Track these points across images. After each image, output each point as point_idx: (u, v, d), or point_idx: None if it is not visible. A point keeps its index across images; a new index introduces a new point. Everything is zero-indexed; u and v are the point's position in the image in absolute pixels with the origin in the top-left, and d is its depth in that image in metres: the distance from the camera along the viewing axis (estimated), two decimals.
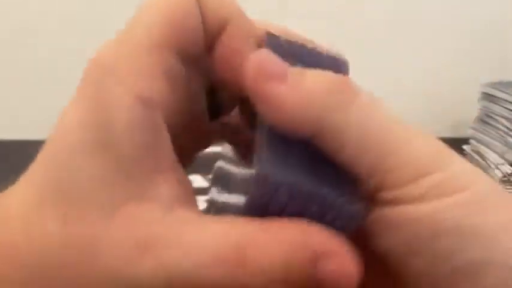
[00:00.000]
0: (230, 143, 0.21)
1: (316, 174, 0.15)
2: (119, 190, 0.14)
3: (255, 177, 0.14)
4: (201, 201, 0.41)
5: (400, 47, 0.55)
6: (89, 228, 0.14)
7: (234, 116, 0.19)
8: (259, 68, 0.14)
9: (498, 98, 0.49)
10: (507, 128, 0.47)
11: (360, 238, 0.16)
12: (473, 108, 0.52)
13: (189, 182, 0.17)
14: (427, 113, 0.56)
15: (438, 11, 0.54)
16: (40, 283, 0.15)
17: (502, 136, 0.48)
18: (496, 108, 0.49)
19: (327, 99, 0.15)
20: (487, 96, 0.50)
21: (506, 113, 0.48)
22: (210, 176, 0.44)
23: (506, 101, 0.48)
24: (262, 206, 0.15)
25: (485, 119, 0.51)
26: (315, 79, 0.15)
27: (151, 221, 0.14)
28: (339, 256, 0.14)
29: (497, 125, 0.49)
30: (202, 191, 0.42)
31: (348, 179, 0.16)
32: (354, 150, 0.15)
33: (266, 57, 0.15)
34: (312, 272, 0.14)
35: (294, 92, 0.15)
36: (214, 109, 0.19)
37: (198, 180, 0.45)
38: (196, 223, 0.15)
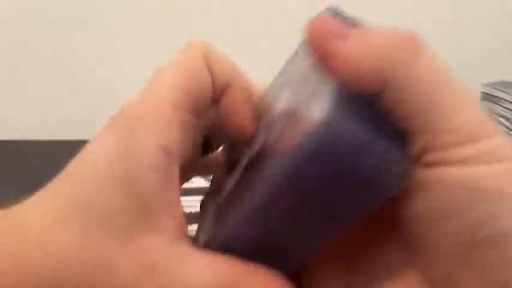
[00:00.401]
0: (212, 172, 0.27)
1: (376, 128, 0.15)
2: (135, 221, 0.17)
3: (317, 125, 0.15)
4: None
5: None
6: (105, 250, 0.17)
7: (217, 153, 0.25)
8: (321, 28, 0.15)
9: (498, 98, 0.49)
10: (507, 127, 0.47)
11: (388, 204, 0.16)
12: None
13: (184, 216, 0.21)
14: None
15: (438, 11, 0.54)
16: None
17: None
18: (496, 108, 0.49)
19: (392, 54, 0.15)
20: (487, 96, 0.50)
21: (506, 113, 0.48)
22: (211, 177, 0.44)
23: (506, 100, 0.48)
24: (317, 159, 0.15)
25: None
26: (379, 36, 0.16)
27: (159, 251, 0.17)
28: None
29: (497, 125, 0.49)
30: (203, 191, 0.42)
31: (402, 140, 0.16)
32: (414, 107, 0.16)
33: (326, 19, 0.16)
34: None
35: (358, 48, 0.15)
36: (205, 147, 0.24)
37: (198, 180, 0.45)
38: (194, 257, 0.18)
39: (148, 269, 0.17)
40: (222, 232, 0.19)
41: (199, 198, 0.42)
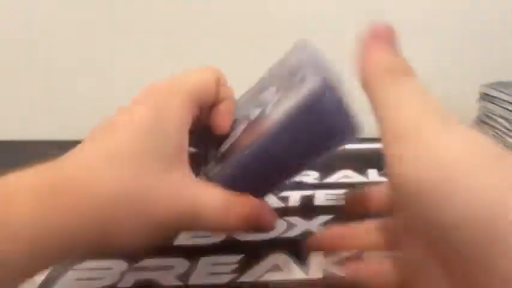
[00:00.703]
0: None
1: (343, 98, 0.25)
2: (165, 161, 0.24)
3: (312, 83, 0.24)
4: None
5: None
6: (149, 181, 0.23)
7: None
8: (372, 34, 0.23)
9: (497, 98, 0.49)
10: (506, 128, 0.48)
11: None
12: (472, 109, 0.52)
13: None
14: None
15: (437, 11, 0.54)
16: (104, 220, 0.22)
17: (501, 136, 0.48)
18: (495, 108, 0.49)
19: (382, 74, 0.22)
20: (486, 97, 0.50)
21: (505, 114, 0.48)
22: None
23: (505, 101, 0.48)
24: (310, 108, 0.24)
25: (484, 119, 0.51)
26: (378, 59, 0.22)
27: (187, 184, 0.25)
28: (266, 216, 0.27)
29: (496, 125, 0.49)
30: None
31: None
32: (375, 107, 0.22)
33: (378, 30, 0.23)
34: (255, 224, 0.26)
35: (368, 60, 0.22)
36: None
37: None
38: (208, 186, 0.26)
39: (177, 198, 0.24)
40: (222, 172, 0.27)
41: None
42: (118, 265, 0.32)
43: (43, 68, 0.58)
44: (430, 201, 0.18)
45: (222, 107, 0.29)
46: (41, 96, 0.59)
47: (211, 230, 0.30)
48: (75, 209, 0.21)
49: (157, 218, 0.24)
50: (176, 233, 0.31)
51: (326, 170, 0.45)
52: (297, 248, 0.32)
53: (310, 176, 0.44)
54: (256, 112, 0.27)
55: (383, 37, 0.22)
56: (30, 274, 0.21)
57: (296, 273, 0.30)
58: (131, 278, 0.30)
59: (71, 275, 0.31)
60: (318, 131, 0.24)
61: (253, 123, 0.26)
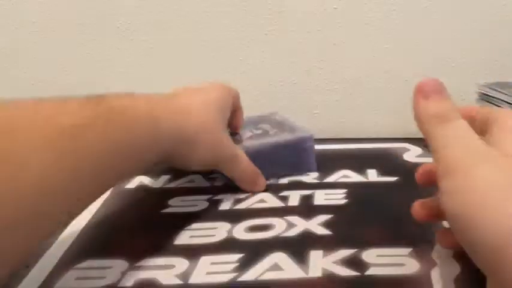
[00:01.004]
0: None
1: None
2: (224, 124, 0.40)
3: (297, 137, 0.44)
4: (202, 201, 0.41)
5: (398, 47, 0.56)
6: (220, 129, 0.39)
7: None
8: (423, 86, 0.26)
9: (496, 98, 0.49)
10: None
11: None
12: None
13: None
14: None
15: (436, 11, 0.54)
16: (190, 138, 0.37)
17: None
18: (494, 108, 0.49)
19: (430, 119, 0.26)
20: (484, 97, 0.51)
21: None
22: (211, 176, 0.45)
23: (503, 101, 0.48)
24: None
25: None
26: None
27: (230, 144, 0.40)
28: (259, 183, 0.42)
29: None
30: (204, 191, 0.42)
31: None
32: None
33: (428, 83, 0.26)
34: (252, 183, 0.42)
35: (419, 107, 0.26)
36: None
37: (199, 181, 0.45)
38: (242, 155, 0.41)
39: (231, 143, 0.40)
40: (248, 150, 0.42)
41: (200, 197, 0.42)
42: (118, 264, 0.32)
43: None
44: (458, 223, 0.23)
45: (239, 114, 0.44)
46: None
47: (239, 173, 0.41)
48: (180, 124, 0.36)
49: (217, 153, 0.39)
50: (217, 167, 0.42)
51: (325, 169, 0.45)
52: (297, 248, 0.33)
53: (309, 176, 0.44)
54: (258, 131, 0.46)
55: (431, 85, 0.26)
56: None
57: (296, 272, 0.30)
58: (131, 277, 0.30)
59: (71, 274, 0.31)
60: (291, 159, 0.44)
61: (257, 135, 0.45)
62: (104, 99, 0.29)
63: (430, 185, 0.30)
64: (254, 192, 0.41)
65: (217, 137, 0.38)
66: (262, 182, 0.42)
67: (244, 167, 0.40)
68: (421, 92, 0.26)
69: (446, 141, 0.25)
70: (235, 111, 0.43)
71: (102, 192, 0.31)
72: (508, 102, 0.47)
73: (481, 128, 0.27)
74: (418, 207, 0.30)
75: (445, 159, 0.24)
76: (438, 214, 0.29)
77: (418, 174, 0.31)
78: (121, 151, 0.30)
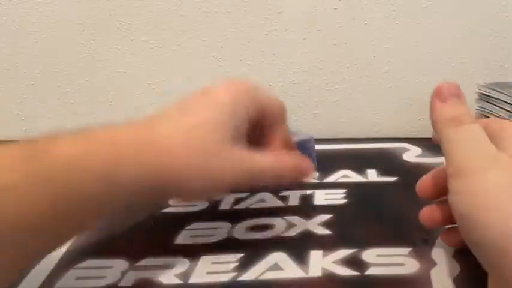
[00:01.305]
0: None
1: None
2: (233, 139, 0.30)
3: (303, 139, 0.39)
4: (203, 203, 0.41)
5: (397, 47, 0.56)
6: (214, 148, 0.30)
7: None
8: (441, 89, 0.28)
9: (495, 98, 0.49)
10: None
11: None
12: (470, 109, 0.53)
13: None
14: (426, 114, 0.56)
15: (436, 11, 0.54)
16: (180, 172, 0.29)
17: None
18: (493, 109, 0.49)
19: (444, 122, 0.27)
20: (484, 97, 0.51)
21: (503, 114, 0.48)
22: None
23: (503, 101, 0.48)
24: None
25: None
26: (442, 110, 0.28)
27: (248, 158, 0.31)
28: (306, 170, 0.34)
29: None
30: None
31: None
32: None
33: (446, 87, 0.28)
34: (298, 175, 0.34)
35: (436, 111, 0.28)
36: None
37: None
38: (260, 157, 0.32)
39: (239, 161, 0.30)
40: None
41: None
42: (119, 264, 0.32)
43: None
44: (465, 222, 0.24)
45: (276, 127, 0.38)
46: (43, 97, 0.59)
47: (264, 180, 0.33)
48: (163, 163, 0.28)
49: (228, 179, 0.30)
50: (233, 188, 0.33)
51: (325, 169, 0.45)
52: (297, 247, 0.33)
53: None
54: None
55: (449, 89, 0.27)
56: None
57: (295, 272, 0.30)
58: (132, 277, 0.30)
59: (71, 273, 0.31)
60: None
61: None
62: (46, 150, 0.25)
63: (431, 199, 0.31)
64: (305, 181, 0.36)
65: (216, 165, 0.29)
66: (305, 165, 0.34)
67: (271, 167, 0.32)
68: (439, 95, 0.27)
69: (460, 143, 0.26)
70: (268, 121, 0.34)
71: (39, 257, 0.27)
72: (508, 103, 0.47)
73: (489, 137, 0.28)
74: (428, 212, 0.31)
75: (457, 161, 0.25)
76: (450, 218, 0.29)
77: (419, 191, 0.32)
78: (56, 210, 0.25)
